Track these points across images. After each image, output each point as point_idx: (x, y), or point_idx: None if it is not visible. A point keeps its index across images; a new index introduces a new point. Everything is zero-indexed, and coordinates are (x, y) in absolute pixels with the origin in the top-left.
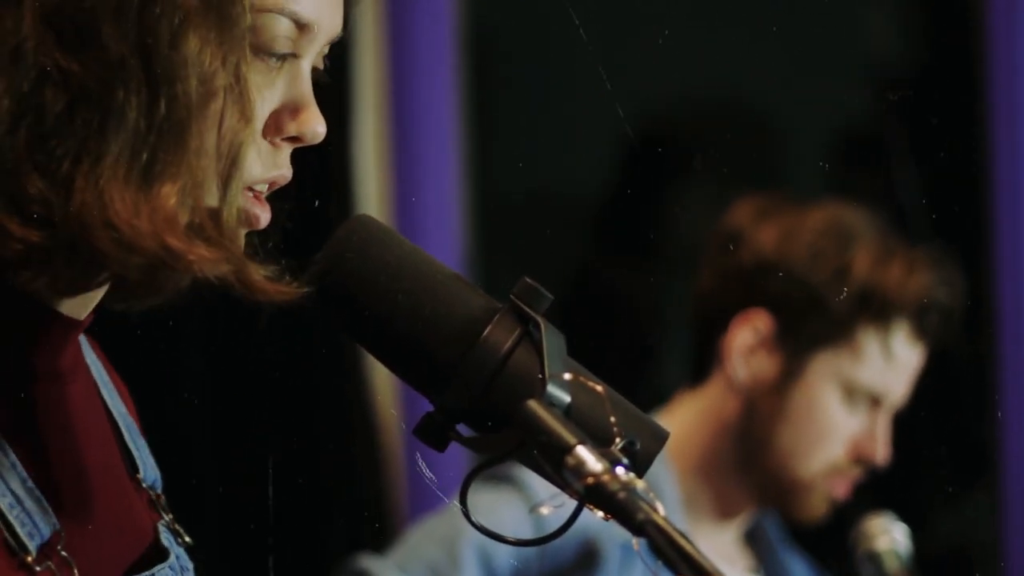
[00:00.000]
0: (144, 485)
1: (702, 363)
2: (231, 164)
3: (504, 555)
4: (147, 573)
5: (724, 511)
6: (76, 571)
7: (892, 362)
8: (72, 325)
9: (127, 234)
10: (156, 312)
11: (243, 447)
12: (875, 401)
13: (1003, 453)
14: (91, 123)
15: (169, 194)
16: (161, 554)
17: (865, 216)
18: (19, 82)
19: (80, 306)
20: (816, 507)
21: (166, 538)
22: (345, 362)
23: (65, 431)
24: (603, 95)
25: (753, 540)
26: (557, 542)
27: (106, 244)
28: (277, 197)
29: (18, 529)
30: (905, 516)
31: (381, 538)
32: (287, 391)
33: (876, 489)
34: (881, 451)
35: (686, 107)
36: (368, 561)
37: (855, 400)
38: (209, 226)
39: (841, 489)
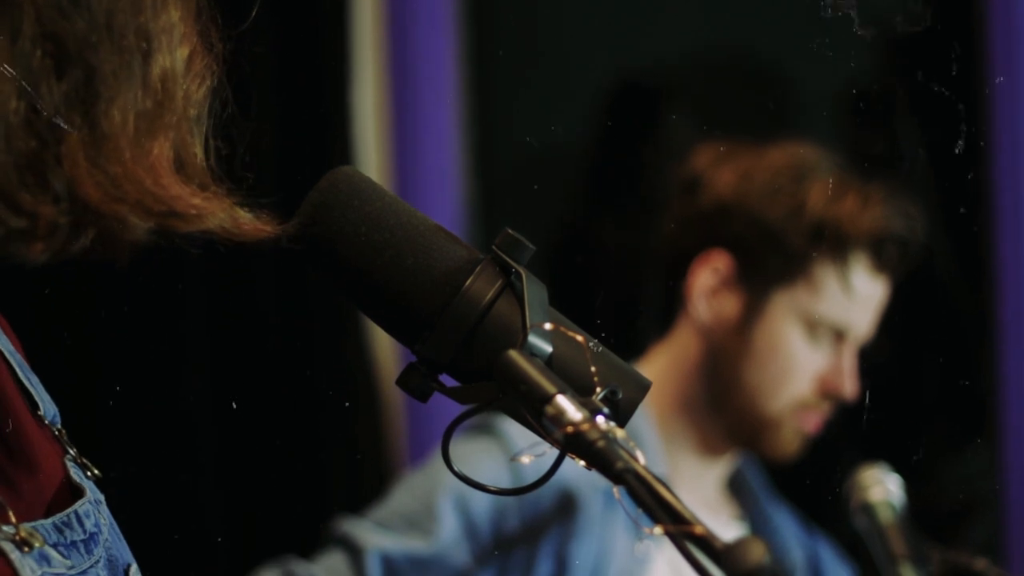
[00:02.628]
0: (46, 421)
1: (670, 309)
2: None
3: (482, 505)
4: (70, 510)
5: (705, 450)
6: (11, 514)
7: (852, 295)
8: None
9: (121, 183)
10: (158, 272)
11: (243, 412)
12: (839, 335)
13: (1003, 407)
14: (80, 82)
15: (164, 147)
16: (77, 490)
17: (820, 154)
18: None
19: None
20: (788, 443)
21: (76, 472)
22: (344, 322)
23: None
24: (603, 48)
25: (737, 489)
26: (537, 493)
27: (96, 193)
28: (276, 152)
29: None
30: (905, 469)
31: (379, 498)
32: (286, 351)
33: (876, 442)
34: (848, 385)
35: (687, 62)
36: (348, 524)
37: (818, 335)
38: (202, 177)
39: (811, 425)
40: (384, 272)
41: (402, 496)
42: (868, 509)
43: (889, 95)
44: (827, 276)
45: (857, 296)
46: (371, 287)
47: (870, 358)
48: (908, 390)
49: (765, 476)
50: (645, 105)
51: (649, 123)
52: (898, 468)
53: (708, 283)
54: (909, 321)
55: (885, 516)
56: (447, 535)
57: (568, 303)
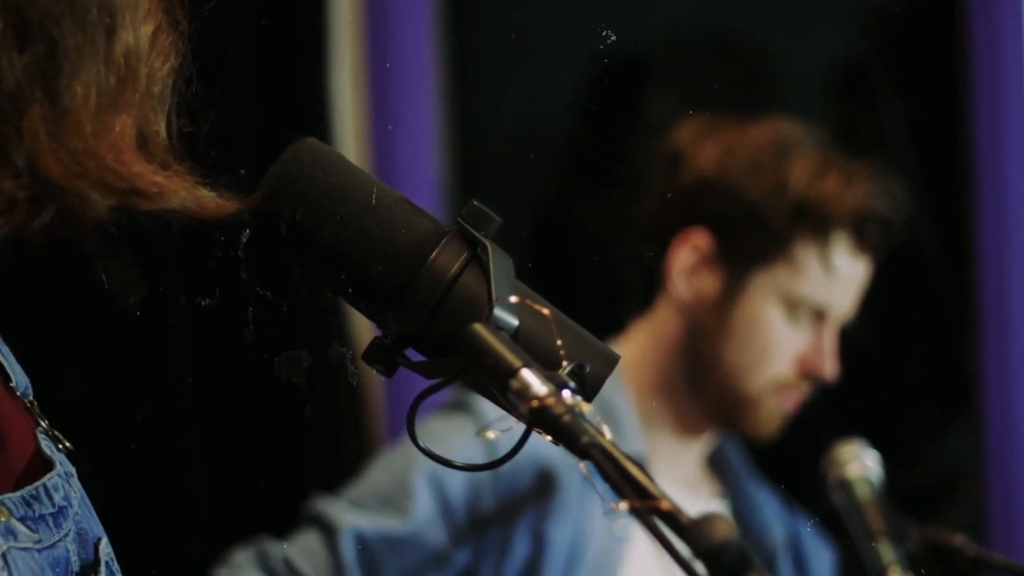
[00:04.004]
0: (17, 393)
1: (651, 286)
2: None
3: (457, 484)
4: (39, 483)
5: (683, 430)
6: None
7: (833, 275)
8: None
9: (82, 159)
10: (135, 246)
11: (219, 388)
12: (819, 315)
13: (985, 386)
14: (42, 56)
15: (126, 124)
16: (47, 463)
17: (804, 130)
18: None
19: None
20: (767, 422)
21: (47, 445)
22: (323, 296)
23: None
24: (586, 25)
25: (717, 467)
26: (511, 469)
27: (57, 168)
28: (252, 131)
29: None
30: (889, 448)
31: (357, 476)
32: (264, 328)
33: (858, 420)
34: (829, 366)
35: (672, 39)
36: (323, 503)
37: (798, 315)
38: (164, 155)
39: (791, 403)
40: (348, 245)
41: (377, 474)
42: (845, 485)
43: (874, 74)
44: (808, 255)
45: (838, 276)
46: (335, 260)
47: (852, 337)
48: (890, 369)
49: (746, 454)
50: (629, 82)
51: (632, 100)
52: (879, 447)
53: (688, 261)
54: (891, 301)
55: (863, 492)
56: (421, 514)
57: (549, 280)
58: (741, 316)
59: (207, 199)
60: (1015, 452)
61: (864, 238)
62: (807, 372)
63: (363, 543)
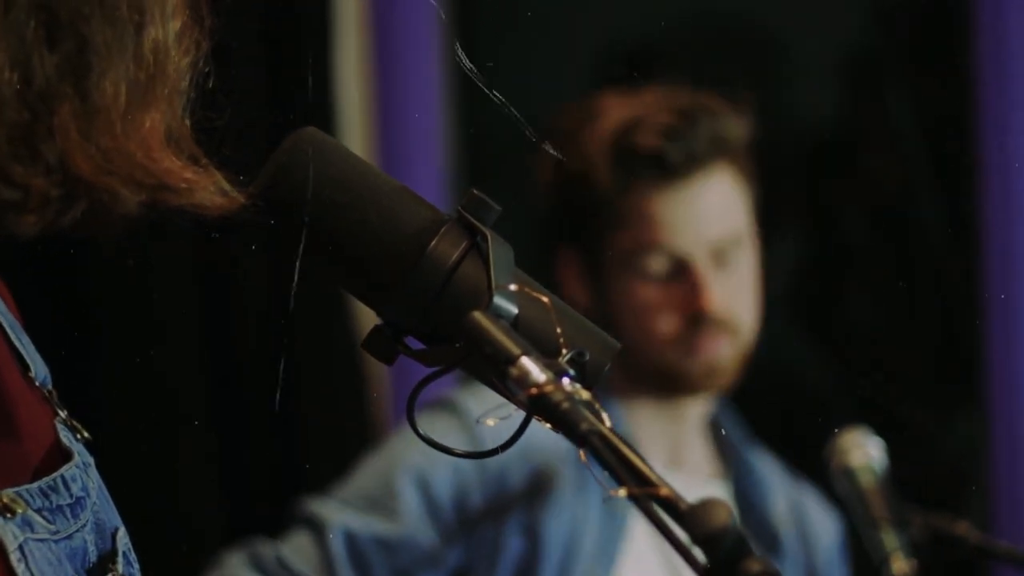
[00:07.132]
0: (36, 383)
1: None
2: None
3: (443, 482)
4: (56, 475)
5: (661, 403)
6: None
7: (666, 215)
8: None
9: (112, 157)
10: (132, 242)
11: (228, 384)
12: (677, 261)
13: (991, 374)
14: (72, 54)
15: (156, 121)
16: (65, 454)
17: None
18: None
19: None
20: (704, 379)
21: (65, 435)
22: (327, 289)
23: None
24: (595, 12)
25: (716, 442)
26: (500, 465)
27: (87, 166)
28: (258, 120)
29: None
30: (894, 436)
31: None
32: (269, 316)
33: (864, 408)
34: (705, 298)
35: (682, 28)
36: (314, 503)
37: (652, 268)
38: (193, 150)
39: (710, 351)
40: (348, 233)
41: (362, 475)
42: (849, 473)
43: (883, 62)
44: (634, 207)
45: (671, 214)
46: (335, 249)
47: (857, 325)
48: (895, 358)
49: (745, 426)
50: (637, 69)
51: (641, 87)
52: (884, 436)
53: (565, 272)
54: (897, 289)
55: (866, 480)
56: (408, 514)
57: (552, 269)
58: (612, 301)
59: (233, 193)
60: (1021, 441)
61: (673, 163)
62: (691, 316)
63: (353, 542)
